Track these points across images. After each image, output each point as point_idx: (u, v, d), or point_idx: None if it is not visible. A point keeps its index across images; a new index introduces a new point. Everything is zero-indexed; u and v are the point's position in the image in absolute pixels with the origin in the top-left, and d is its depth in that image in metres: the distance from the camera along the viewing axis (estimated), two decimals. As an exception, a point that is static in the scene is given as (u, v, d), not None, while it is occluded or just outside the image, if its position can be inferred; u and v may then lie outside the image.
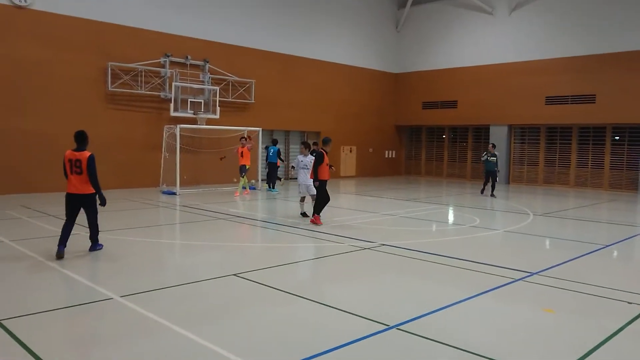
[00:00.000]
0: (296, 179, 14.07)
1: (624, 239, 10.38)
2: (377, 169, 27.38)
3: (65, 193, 8.03)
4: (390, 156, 28.27)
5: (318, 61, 23.82)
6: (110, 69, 17.04)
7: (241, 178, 16.66)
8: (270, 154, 18.57)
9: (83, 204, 8.00)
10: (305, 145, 12.52)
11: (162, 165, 17.66)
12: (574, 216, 13.78)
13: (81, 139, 8.01)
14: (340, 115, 25.00)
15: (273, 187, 18.36)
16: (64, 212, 8.03)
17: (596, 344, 4.76)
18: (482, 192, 18.83)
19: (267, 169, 18.82)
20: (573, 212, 14.63)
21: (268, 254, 8.70)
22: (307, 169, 11.86)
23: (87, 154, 7.94)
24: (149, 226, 11.08)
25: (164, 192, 16.77)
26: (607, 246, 9.60)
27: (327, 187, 11.46)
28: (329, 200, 11.64)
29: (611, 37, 20.56)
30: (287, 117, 22.64)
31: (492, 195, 18.03)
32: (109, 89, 17.09)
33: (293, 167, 11.75)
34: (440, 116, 26.34)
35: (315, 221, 11.23)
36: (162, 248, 9.14)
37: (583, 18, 21.33)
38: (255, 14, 21.21)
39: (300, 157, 12.18)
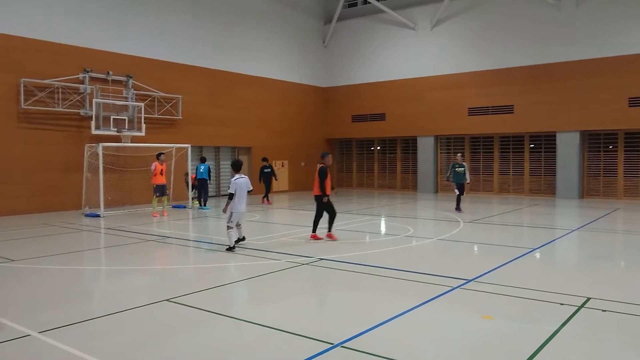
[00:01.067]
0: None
1: (549, 242, 10.86)
2: (310, 183, 27.25)
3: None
4: (322, 169, 28.31)
5: (247, 76, 23.57)
6: (24, 86, 15.93)
7: (162, 198, 15.89)
8: (201, 171, 18.04)
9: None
10: (237, 166, 10.39)
11: (84, 187, 16.64)
12: (500, 222, 14.34)
13: None
14: (271, 130, 24.82)
15: (205, 205, 18.00)
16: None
17: (537, 348, 4.83)
18: (457, 208, 16.25)
19: (195, 187, 18.34)
20: (499, 218, 15.22)
21: (202, 275, 8.31)
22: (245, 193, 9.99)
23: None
24: (71, 252, 10.31)
25: (87, 215, 15.80)
26: (534, 249, 10.00)
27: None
28: (336, 213, 11.54)
29: (527, 51, 21.83)
30: (217, 133, 22.17)
31: (457, 209, 16.28)
32: (22, 106, 15.96)
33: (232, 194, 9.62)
34: (370, 129, 26.82)
35: (332, 237, 11.15)
36: (86, 276, 8.50)
37: (501, 33, 22.53)
38: (181, 29, 20.70)
39: (240, 180, 9.91)
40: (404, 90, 25.34)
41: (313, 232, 11.30)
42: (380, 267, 8.29)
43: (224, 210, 9.90)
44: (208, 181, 18.37)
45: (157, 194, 15.63)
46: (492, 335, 5.31)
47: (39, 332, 5.33)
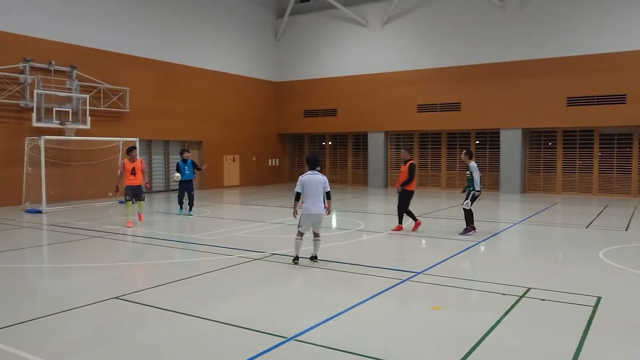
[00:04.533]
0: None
1: (492, 235, 11.31)
2: (261, 178, 27.25)
3: None
4: (273, 164, 28.30)
5: (199, 69, 23.16)
6: (-43, 74, 15.07)
7: (138, 202, 12.60)
8: (186, 172, 14.56)
9: None
10: (312, 161, 8.58)
11: (24, 181, 15.92)
12: (447, 216, 14.78)
13: None
14: (223, 124, 24.52)
15: (190, 210, 14.65)
16: None
17: (481, 336, 5.06)
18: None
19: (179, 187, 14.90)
20: (446, 212, 15.69)
21: (152, 272, 8.16)
22: (320, 192, 8.30)
23: None
24: (11, 249, 9.87)
25: (27, 211, 15.14)
26: (479, 242, 10.39)
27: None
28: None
29: (474, 50, 22.51)
30: (167, 126, 21.69)
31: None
32: (-44, 96, 15.10)
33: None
34: (321, 124, 26.96)
35: (416, 226, 11.66)
36: (27, 274, 8.17)
37: (450, 31, 23.12)
38: (129, 19, 20.07)
39: (308, 177, 8.35)
40: (355, 86, 25.61)
41: (399, 224, 11.79)
42: (332, 262, 8.40)
43: (294, 214, 8.64)
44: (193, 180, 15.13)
45: (128, 198, 12.32)
46: (439, 325, 5.51)
47: (-21, 334, 5.11)
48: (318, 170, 8.67)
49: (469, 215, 11.15)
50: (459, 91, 23.03)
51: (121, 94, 19.54)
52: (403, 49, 24.37)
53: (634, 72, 19.47)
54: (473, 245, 10.02)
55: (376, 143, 25.37)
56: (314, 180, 8.28)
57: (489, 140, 23.40)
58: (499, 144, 22.58)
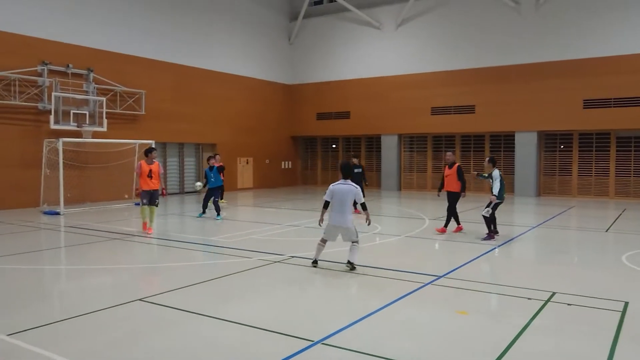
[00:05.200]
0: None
1: (510, 240, 11.21)
2: (274, 180, 27.29)
3: None
4: (286, 167, 28.33)
5: (213, 72, 23.26)
6: (-23, 77, 15.25)
7: (152, 207, 11.77)
8: (212, 180, 14.62)
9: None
10: (343, 170, 8.33)
11: (42, 183, 16.07)
12: (464, 219, 14.66)
13: None
14: (236, 126, 24.60)
15: (215, 214, 14.60)
16: None
17: (511, 341, 5.01)
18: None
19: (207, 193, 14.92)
20: (463, 216, 15.56)
21: (174, 274, 8.17)
22: (345, 202, 8.03)
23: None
24: (31, 251, 9.96)
25: (45, 213, 15.27)
26: (499, 246, 10.30)
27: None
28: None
29: (489, 53, 22.40)
30: (181, 129, 21.80)
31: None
32: (-24, 99, 15.27)
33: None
34: (334, 127, 26.96)
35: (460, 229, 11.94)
36: (49, 276, 8.23)
37: (464, 34, 23.02)
38: (145, 22, 20.21)
39: (339, 187, 8.10)
40: (368, 89, 25.57)
41: (444, 226, 11.94)
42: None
43: (319, 222, 8.40)
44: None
45: (144, 202, 11.58)
46: (467, 329, 5.46)
47: (7, 335, 5.14)
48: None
49: (489, 222, 10.97)
50: (473, 94, 22.91)
51: (137, 96, 19.67)
52: (417, 52, 24.30)
53: (651, 74, 19.27)
54: (492, 250, 9.94)
55: (389, 146, 25.30)
56: (343, 190, 8.02)
57: (504, 143, 23.24)
58: (514, 147, 22.42)
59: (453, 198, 11.82)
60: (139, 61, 19.95)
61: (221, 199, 16.20)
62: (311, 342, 4.97)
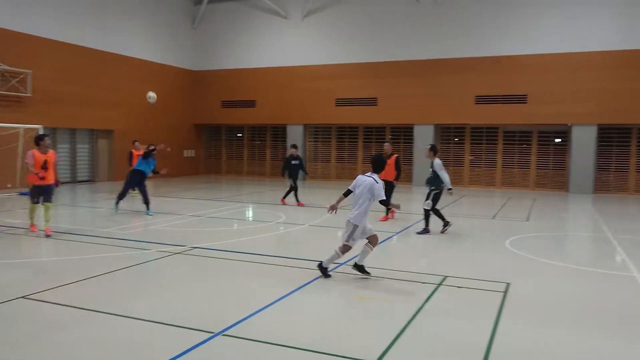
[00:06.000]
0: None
1: (408, 227, 11.75)
2: (176, 169, 26.36)
3: None
4: (189, 155, 27.53)
5: (108, 53, 21.92)
6: None
7: (45, 205, 9.97)
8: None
9: None
10: (373, 162, 7.31)
11: None
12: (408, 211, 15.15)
13: None
14: (135, 112, 23.40)
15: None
16: None
17: (405, 324, 5.26)
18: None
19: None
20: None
21: (64, 269, 7.64)
22: (360, 197, 7.05)
23: None
24: None
25: None
26: (397, 233, 10.76)
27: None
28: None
29: (391, 47, 23.17)
30: (74, 114, 20.36)
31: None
32: None
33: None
34: (240, 115, 26.59)
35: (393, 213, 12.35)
36: None
37: (368, 27, 23.64)
38: (30, -5, 18.56)
39: (363, 178, 7.18)
40: (274, 78, 25.48)
41: (386, 215, 12.38)
42: (255, 254, 8.33)
43: (329, 208, 7.54)
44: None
45: (35, 200, 9.99)
46: (364, 314, 5.65)
47: None
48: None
49: (429, 216, 10.74)
50: (375, 86, 23.64)
51: (22, 77, 18.05)
52: (322, 43, 24.58)
53: (533, 75, 21.02)
54: (390, 237, 10.36)
55: (294, 136, 25.44)
56: (361, 183, 7.09)
57: (404, 135, 24.24)
58: (412, 139, 23.47)
59: (389, 187, 11.90)
60: (25, 38, 18.30)
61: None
62: (211, 334, 4.88)
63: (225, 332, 4.94)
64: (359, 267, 7.08)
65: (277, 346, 4.65)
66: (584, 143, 20.78)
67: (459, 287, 6.69)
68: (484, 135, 23.16)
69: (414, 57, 22.85)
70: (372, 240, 7.06)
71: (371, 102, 23.82)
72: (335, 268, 7.50)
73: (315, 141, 26.08)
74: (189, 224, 11.64)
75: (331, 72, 24.35)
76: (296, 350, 4.60)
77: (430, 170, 10.67)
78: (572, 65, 20.52)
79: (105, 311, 5.51)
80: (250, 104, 26.22)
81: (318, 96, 24.59)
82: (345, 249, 7.02)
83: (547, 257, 8.68)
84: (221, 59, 26.79)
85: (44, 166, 9.86)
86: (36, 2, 18.72)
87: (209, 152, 28.76)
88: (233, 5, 26.34)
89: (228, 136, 28.39)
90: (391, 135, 24.51)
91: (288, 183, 15.57)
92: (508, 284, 6.83)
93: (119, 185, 18.97)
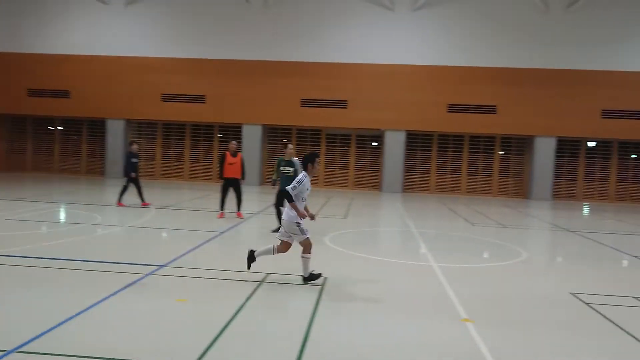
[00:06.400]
0: None
1: (235, 225, 11.77)
2: None
3: None
4: (-14, 149, 23.97)
5: None
6: None
7: None
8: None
9: None
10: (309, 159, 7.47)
11: None
12: (190, 207, 14.81)
13: None
14: None
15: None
16: None
17: (225, 323, 5.25)
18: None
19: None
20: (189, 204, 15.70)
21: None
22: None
23: None
24: None
25: None
26: (223, 232, 10.70)
27: None
28: None
29: (220, 46, 22.96)
30: None
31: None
32: None
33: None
34: (51, 106, 23.96)
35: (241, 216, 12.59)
36: None
37: (198, 21, 23.10)
38: None
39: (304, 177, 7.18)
40: (93, 68, 23.49)
41: (222, 210, 12.58)
42: (66, 259, 7.58)
43: (309, 217, 7.28)
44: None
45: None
46: (185, 316, 5.50)
47: None
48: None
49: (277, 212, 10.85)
50: (204, 84, 23.28)
51: None
52: (147, 34, 23.41)
53: (353, 82, 22.65)
54: (215, 237, 10.26)
55: (116, 132, 23.78)
56: (306, 184, 7.19)
57: (233, 134, 24.20)
58: (241, 138, 23.57)
59: (237, 184, 12.57)
60: None
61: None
62: (3, 352, 4.30)
63: (21, 349, 4.39)
64: (308, 278, 6.96)
65: (87, 358, 4.28)
66: (394, 147, 23.00)
67: (279, 283, 6.88)
68: (308, 137, 24.25)
69: (243, 57, 22.98)
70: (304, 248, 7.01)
71: (199, 99, 23.34)
72: (155, 271, 7.18)
73: (139, 138, 24.65)
74: (-18, 227, 10.11)
75: (158, 65, 23.38)
76: (107, 360, 4.29)
77: (289, 169, 10.72)
78: (386, 76, 22.58)
79: None
80: (64, 94, 23.78)
81: (142, 90, 23.32)
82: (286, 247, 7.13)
83: (361, 251, 9.40)
84: (26, 40, 23.84)
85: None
86: None
87: (12, 146, 25.38)
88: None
89: (35, 129, 25.37)
90: (220, 134, 24.32)
91: (123, 182, 14.40)
92: (325, 278, 7.23)
93: None
